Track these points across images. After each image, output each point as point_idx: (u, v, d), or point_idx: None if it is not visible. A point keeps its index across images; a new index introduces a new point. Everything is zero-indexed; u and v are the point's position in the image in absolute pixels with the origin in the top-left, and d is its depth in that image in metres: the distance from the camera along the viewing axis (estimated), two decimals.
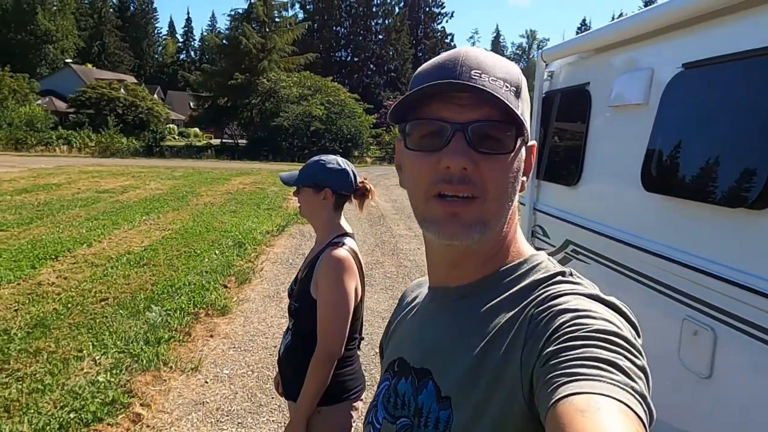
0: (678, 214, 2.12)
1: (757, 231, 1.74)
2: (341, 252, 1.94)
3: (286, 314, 2.17)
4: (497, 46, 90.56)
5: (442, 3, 71.21)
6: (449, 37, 71.97)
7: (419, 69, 0.78)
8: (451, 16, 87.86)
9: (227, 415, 3.62)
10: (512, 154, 0.72)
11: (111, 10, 76.17)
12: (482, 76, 0.70)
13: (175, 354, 4.48)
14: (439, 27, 72.05)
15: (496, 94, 0.68)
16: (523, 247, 0.82)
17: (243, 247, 8.42)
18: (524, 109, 0.75)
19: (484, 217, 0.72)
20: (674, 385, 2.02)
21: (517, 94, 0.73)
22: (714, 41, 2.03)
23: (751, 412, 1.74)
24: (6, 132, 32.27)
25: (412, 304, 0.95)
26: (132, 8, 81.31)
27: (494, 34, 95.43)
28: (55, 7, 58.58)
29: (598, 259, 2.68)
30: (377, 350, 1.09)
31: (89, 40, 67.97)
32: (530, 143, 0.79)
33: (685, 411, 2.01)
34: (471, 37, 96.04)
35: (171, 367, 4.24)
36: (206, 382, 4.07)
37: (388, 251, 8.73)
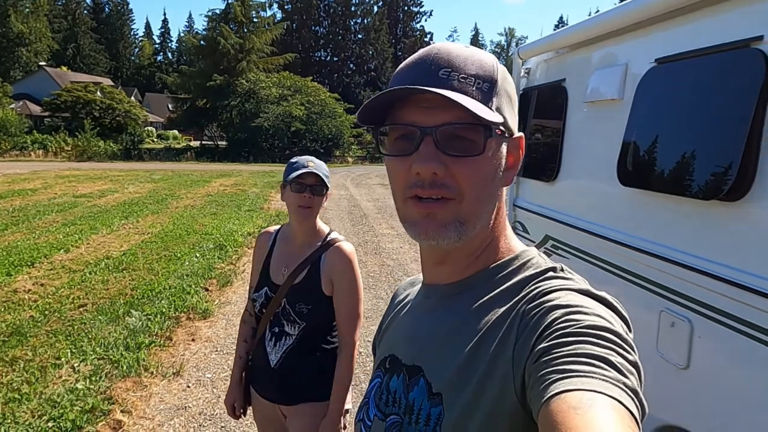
0: (653, 208, 2.14)
1: (731, 222, 1.76)
2: (350, 246, 2.02)
3: None
4: (476, 45, 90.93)
5: (421, 2, 71.51)
6: (428, 36, 72.21)
7: (398, 68, 0.77)
8: (430, 14, 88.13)
9: (210, 419, 3.59)
10: (484, 153, 0.71)
11: (85, 11, 75.03)
12: (451, 74, 0.70)
13: (156, 359, 4.42)
14: (418, 26, 72.26)
15: (456, 97, 0.67)
16: (513, 243, 0.81)
17: (224, 249, 8.35)
18: (502, 103, 0.73)
19: (461, 217, 0.72)
20: (653, 376, 2.04)
21: (491, 89, 0.72)
22: (685, 36, 2.05)
23: (727, 401, 1.76)
24: None
25: (404, 302, 0.95)
26: (107, 9, 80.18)
27: (473, 33, 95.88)
28: (27, 9, 57.46)
29: (577, 254, 2.71)
30: (368, 349, 1.08)
31: (63, 42, 66.86)
32: (516, 135, 0.78)
33: (664, 402, 2.03)
34: (450, 35, 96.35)
35: (152, 373, 4.19)
36: (188, 387, 4.03)
37: (370, 250, 8.73)
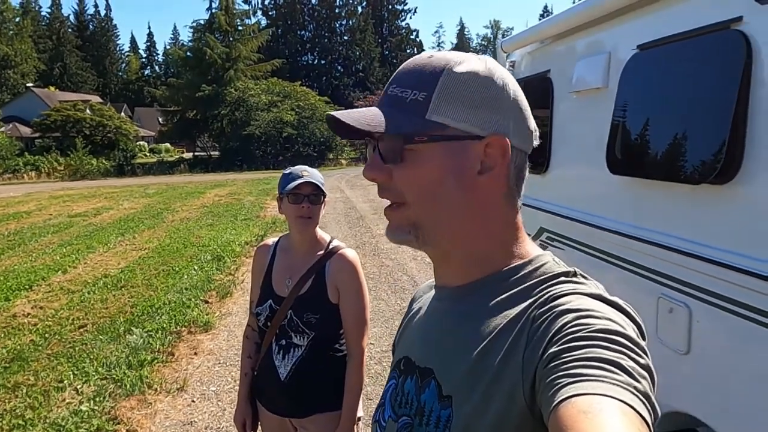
0: (644, 194, 2.14)
1: (720, 205, 1.76)
2: (353, 253, 2.03)
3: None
4: (462, 39, 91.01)
5: (405, 0, 71.36)
6: (414, 33, 72.19)
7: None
8: (415, 11, 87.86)
9: None
10: (406, 162, 0.74)
11: (69, 30, 74.83)
12: (395, 89, 0.76)
13: (159, 375, 4.40)
14: (403, 24, 72.23)
15: (341, 117, 0.73)
16: (527, 247, 0.80)
17: (222, 260, 8.33)
18: (448, 109, 0.72)
19: (412, 221, 0.75)
20: (655, 363, 2.03)
21: (428, 97, 0.72)
22: (666, 21, 2.05)
23: (729, 384, 1.76)
24: None
25: (421, 304, 0.96)
26: (91, 27, 79.97)
27: (459, 27, 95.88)
28: (11, 32, 57.38)
29: (572, 244, 2.70)
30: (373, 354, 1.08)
31: (50, 62, 66.73)
32: (488, 136, 0.73)
33: (666, 388, 2.02)
34: (436, 31, 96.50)
35: (156, 389, 4.17)
36: (193, 401, 4.01)
37: (368, 252, 8.72)
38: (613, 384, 0.54)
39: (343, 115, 0.74)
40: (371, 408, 3.57)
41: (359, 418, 2.00)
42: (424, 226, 0.75)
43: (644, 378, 0.57)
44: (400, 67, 0.79)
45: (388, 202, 0.77)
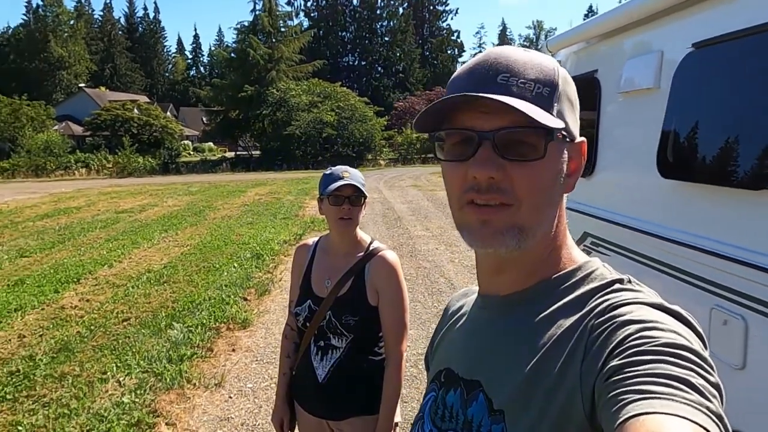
0: (697, 200, 2.04)
1: None
2: (394, 255, 2.01)
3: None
4: (504, 40, 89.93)
5: (446, 1, 71.04)
6: (455, 34, 71.79)
7: (454, 74, 0.76)
8: (456, 12, 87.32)
9: (252, 430, 3.60)
10: (544, 158, 0.69)
11: (120, 32, 77.48)
12: (510, 79, 0.68)
13: (198, 370, 4.48)
14: (444, 24, 71.94)
15: (514, 103, 0.65)
16: (575, 253, 0.78)
17: (261, 258, 8.44)
18: (563, 107, 0.71)
19: (519, 224, 0.69)
20: None
21: (552, 93, 0.70)
22: (723, 17, 1.95)
23: None
24: (26, 159, 33.11)
25: (459, 314, 0.92)
26: (140, 29, 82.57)
27: (500, 28, 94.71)
28: (66, 34, 59.91)
29: (617, 250, 2.61)
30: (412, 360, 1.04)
31: (101, 63, 69.29)
32: (578, 140, 0.75)
33: None
34: (477, 32, 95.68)
35: (194, 384, 4.24)
36: (230, 398, 4.06)
37: (406, 253, 8.68)
38: (684, 403, 0.51)
39: (497, 96, 0.66)
40: (407, 412, 3.54)
41: (397, 424, 1.97)
42: (527, 230, 0.70)
43: (715, 397, 0.53)
44: (501, 58, 0.71)
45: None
